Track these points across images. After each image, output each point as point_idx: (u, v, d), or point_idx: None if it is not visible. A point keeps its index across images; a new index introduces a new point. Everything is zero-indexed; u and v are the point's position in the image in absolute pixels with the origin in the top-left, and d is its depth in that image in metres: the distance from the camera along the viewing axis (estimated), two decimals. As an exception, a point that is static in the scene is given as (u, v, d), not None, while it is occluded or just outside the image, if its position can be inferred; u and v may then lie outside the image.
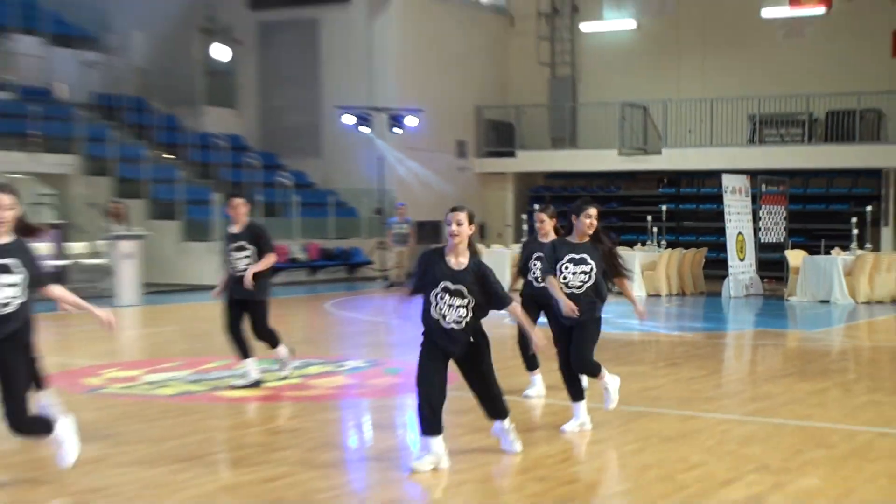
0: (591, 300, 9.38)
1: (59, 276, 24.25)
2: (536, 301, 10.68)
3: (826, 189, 32.05)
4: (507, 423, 8.68)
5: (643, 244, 27.13)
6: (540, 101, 35.55)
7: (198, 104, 33.64)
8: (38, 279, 7.66)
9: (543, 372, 11.40)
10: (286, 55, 33.52)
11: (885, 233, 30.23)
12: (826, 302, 23.34)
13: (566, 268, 9.37)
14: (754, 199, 26.37)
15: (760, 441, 9.49)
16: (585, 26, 35.22)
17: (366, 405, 11.59)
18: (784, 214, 27.19)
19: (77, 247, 26.11)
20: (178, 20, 33.04)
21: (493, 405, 8.62)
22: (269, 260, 11.95)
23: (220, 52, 32.32)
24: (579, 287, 9.34)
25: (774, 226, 26.77)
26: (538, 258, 10.59)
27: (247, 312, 12.02)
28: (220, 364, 13.50)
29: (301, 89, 33.25)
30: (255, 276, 11.76)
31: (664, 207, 29.02)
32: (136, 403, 11.33)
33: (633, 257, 25.20)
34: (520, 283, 11.40)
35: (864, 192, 30.97)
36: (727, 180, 25.63)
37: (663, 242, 27.40)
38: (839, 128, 30.94)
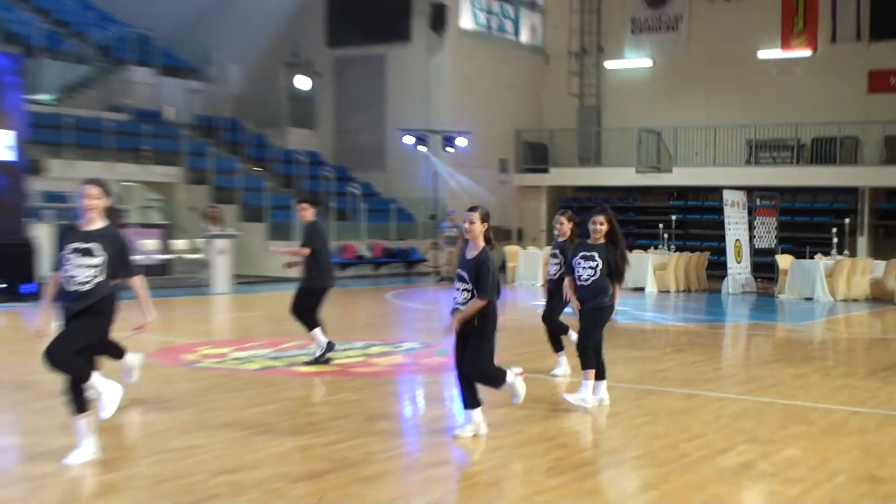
0: (595, 292, 9.31)
1: (163, 268, 24.60)
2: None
3: (811, 203, 31.75)
4: (476, 413, 8.22)
5: (655, 248, 26.95)
6: (570, 126, 35.43)
7: (282, 125, 33.76)
8: (118, 266, 7.25)
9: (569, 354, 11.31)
10: (357, 85, 33.57)
11: (861, 241, 29.96)
12: (810, 299, 23.13)
13: (578, 263, 9.41)
14: (750, 212, 26.18)
15: (751, 416, 9.41)
16: (609, 64, 35.42)
17: (418, 381, 11.56)
18: (775, 224, 26.97)
19: (179, 244, 26.33)
20: (267, 55, 33.40)
21: (468, 389, 8.19)
22: (303, 251, 11.80)
23: (302, 83, 32.51)
24: (587, 280, 9.34)
25: (767, 234, 26.60)
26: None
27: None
28: (296, 344, 13.53)
29: (369, 114, 33.30)
30: (306, 266, 11.77)
31: (674, 217, 28.83)
32: (224, 376, 11.36)
33: (647, 259, 25.33)
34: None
35: (843, 207, 30.63)
36: (727, 195, 25.46)
37: (672, 247, 27.37)
38: (823, 152, 30.88)
